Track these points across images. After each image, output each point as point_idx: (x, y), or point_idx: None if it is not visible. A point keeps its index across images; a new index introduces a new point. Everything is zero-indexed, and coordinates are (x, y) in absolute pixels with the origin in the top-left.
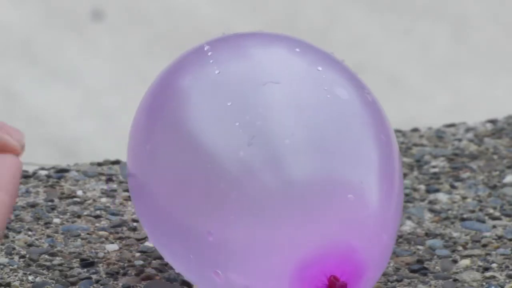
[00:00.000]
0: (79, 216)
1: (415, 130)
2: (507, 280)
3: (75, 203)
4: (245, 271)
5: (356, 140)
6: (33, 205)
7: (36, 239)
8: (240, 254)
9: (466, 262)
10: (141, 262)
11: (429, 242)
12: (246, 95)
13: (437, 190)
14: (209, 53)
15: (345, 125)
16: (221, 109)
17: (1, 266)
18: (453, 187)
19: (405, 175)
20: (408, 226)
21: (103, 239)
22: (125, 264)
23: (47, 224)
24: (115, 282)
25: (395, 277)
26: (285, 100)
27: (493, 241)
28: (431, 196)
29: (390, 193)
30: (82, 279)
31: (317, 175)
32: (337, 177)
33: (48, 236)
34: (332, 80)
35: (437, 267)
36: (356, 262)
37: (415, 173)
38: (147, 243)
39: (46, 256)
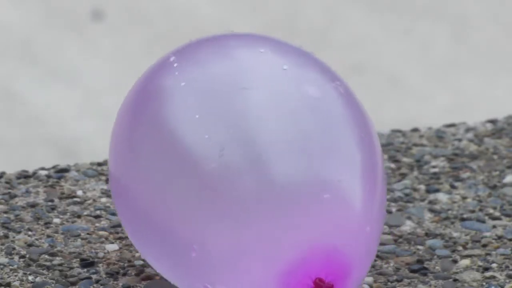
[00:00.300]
0: (79, 216)
1: (415, 130)
2: (507, 280)
3: (75, 203)
4: (232, 283)
5: (329, 137)
6: (33, 205)
7: (36, 239)
8: (225, 266)
9: (466, 262)
10: (141, 262)
11: (429, 242)
12: (215, 105)
13: (437, 190)
14: (175, 64)
15: (317, 123)
16: (191, 123)
17: (1, 266)
18: (453, 187)
19: (405, 175)
20: (408, 226)
21: (103, 239)
22: (125, 264)
23: (47, 224)
24: (115, 282)
25: (395, 277)
26: (255, 106)
27: (493, 241)
28: (431, 196)
29: (371, 185)
30: (82, 279)
31: (291, 178)
32: (311, 177)
33: (48, 236)
34: (299, 78)
35: (437, 267)
36: (341, 261)
37: (415, 173)
38: None
39: (46, 256)
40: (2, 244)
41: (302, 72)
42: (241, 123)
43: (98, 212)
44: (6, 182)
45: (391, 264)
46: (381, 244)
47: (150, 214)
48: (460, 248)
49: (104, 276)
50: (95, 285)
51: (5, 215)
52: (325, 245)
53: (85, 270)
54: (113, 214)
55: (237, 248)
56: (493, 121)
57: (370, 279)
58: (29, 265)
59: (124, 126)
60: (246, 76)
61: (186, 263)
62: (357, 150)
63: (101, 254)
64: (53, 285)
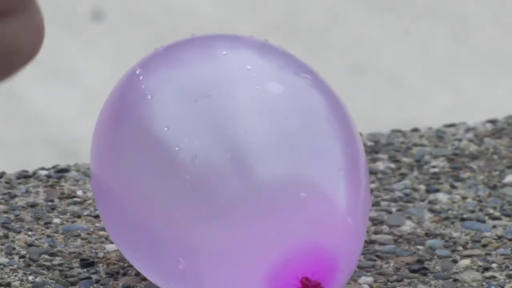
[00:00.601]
0: (79, 216)
1: (415, 130)
2: (507, 280)
3: (75, 203)
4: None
5: (301, 132)
6: (33, 205)
7: (36, 239)
8: (212, 274)
9: (466, 262)
10: None
11: (429, 242)
12: (181, 116)
13: (437, 190)
14: (141, 77)
15: (285, 119)
16: (161, 135)
17: (1, 266)
18: (453, 187)
19: (405, 175)
20: (408, 226)
21: (103, 239)
22: (125, 264)
23: (47, 224)
24: (115, 282)
25: (395, 277)
26: (221, 111)
27: (493, 241)
28: (431, 196)
29: (350, 176)
30: (82, 279)
31: (265, 179)
32: (286, 177)
33: (48, 236)
34: (264, 76)
35: (437, 267)
36: (325, 257)
37: (415, 173)
38: None
39: (46, 256)
40: (2, 244)
41: (266, 70)
42: (207, 132)
43: (98, 212)
44: (6, 182)
45: (391, 264)
46: (381, 244)
47: (133, 223)
48: (460, 248)
49: (104, 276)
50: (95, 285)
51: (5, 215)
52: (308, 243)
53: (85, 270)
54: None
55: (220, 254)
56: (493, 121)
57: (370, 279)
58: (29, 265)
59: (104, 133)
60: (207, 83)
61: (176, 275)
62: (332, 144)
63: (101, 254)
64: (53, 285)
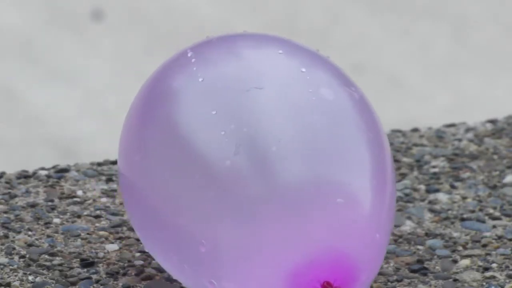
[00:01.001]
0: (79, 216)
1: (415, 130)
2: (507, 280)
3: (75, 203)
4: (239, 280)
5: (343, 141)
6: (33, 205)
7: (36, 239)
8: (233, 263)
9: (466, 262)
10: (141, 262)
11: (429, 242)
12: (231, 103)
13: (437, 190)
14: (193, 60)
15: (332, 127)
16: (206, 118)
17: (1, 266)
18: (453, 187)
19: (405, 175)
20: (408, 226)
21: (103, 239)
22: (125, 264)
23: (47, 224)
24: (115, 282)
25: (395, 277)
26: (270, 105)
27: (493, 241)
28: (431, 196)
29: (381, 193)
30: (82, 279)
31: (305, 180)
32: (325, 181)
33: (48, 236)
34: (317, 81)
35: (437, 267)
36: (349, 266)
37: (415, 173)
38: None
39: (46, 256)
40: (2, 244)
41: (318, 76)
42: (255, 122)
43: (98, 212)
44: (6, 182)
45: (391, 264)
46: None
47: (160, 210)
48: (460, 248)
49: (104, 276)
50: (95, 285)
51: (5, 215)
52: (335, 249)
53: (85, 270)
54: (113, 214)
55: (246, 246)
56: (493, 121)
57: None
58: (29, 265)
59: (135, 122)
60: (261, 76)
61: (195, 258)
62: (370, 157)
63: (101, 254)
64: (53, 285)
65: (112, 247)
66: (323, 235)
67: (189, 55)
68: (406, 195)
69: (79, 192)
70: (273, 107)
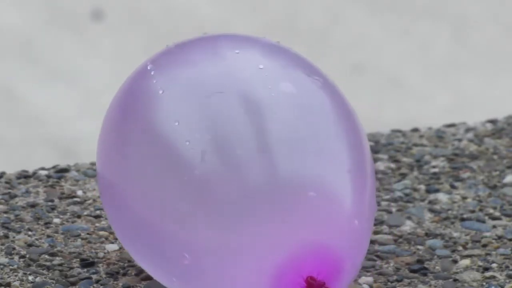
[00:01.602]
0: (79, 216)
1: (415, 130)
2: (507, 280)
3: (75, 203)
4: (225, 286)
5: (310, 133)
6: (33, 205)
7: (36, 239)
8: (217, 270)
9: (466, 262)
10: None
11: (429, 242)
12: (193, 111)
13: (437, 190)
14: (152, 72)
15: (295, 120)
16: (171, 129)
17: (1, 266)
18: (453, 187)
19: (405, 175)
20: (408, 226)
21: (103, 239)
22: (125, 264)
23: (47, 224)
24: (115, 282)
25: (395, 277)
26: (232, 109)
27: (493, 241)
28: (431, 196)
29: (357, 179)
30: (82, 279)
31: (273, 178)
32: (295, 176)
33: (48, 236)
34: (276, 76)
35: (437, 267)
36: (331, 257)
37: (415, 173)
38: None
39: (46, 256)
40: (2, 244)
41: (277, 70)
42: (218, 127)
43: (98, 212)
44: (6, 182)
45: (391, 264)
46: (381, 244)
47: (139, 220)
48: (460, 248)
49: (104, 276)
50: (95, 285)
51: (5, 215)
52: (314, 243)
53: (85, 270)
54: None
55: (227, 252)
56: (493, 121)
57: (370, 279)
58: (29, 265)
59: (111, 131)
60: (220, 80)
61: (180, 271)
62: (341, 145)
63: (101, 254)
64: (53, 285)
65: (112, 247)
66: (300, 230)
67: (148, 67)
68: (406, 195)
69: (79, 192)
70: (235, 110)
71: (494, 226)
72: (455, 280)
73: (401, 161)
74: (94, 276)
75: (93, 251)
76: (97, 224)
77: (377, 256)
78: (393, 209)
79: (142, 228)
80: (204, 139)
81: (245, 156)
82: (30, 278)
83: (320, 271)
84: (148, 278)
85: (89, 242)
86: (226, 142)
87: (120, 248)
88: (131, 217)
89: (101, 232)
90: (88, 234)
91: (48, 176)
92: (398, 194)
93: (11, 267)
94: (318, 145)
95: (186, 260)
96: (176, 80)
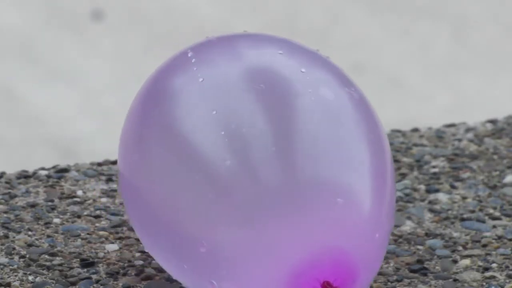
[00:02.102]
0: (79, 216)
1: (415, 130)
2: (507, 280)
3: (75, 203)
4: (238, 281)
5: (343, 141)
6: (33, 205)
7: (36, 239)
8: (233, 263)
9: (466, 262)
10: (141, 262)
11: (429, 242)
12: (231, 102)
13: (437, 190)
14: (193, 60)
15: (331, 127)
16: (206, 118)
17: (1, 266)
18: (453, 187)
19: (405, 175)
20: (408, 226)
21: (103, 239)
22: (125, 264)
23: (47, 224)
24: (115, 282)
25: (395, 277)
26: (269, 105)
27: (493, 241)
28: (431, 196)
29: (381, 193)
30: (82, 279)
31: (304, 180)
32: (325, 181)
33: (48, 236)
34: (316, 81)
35: (437, 267)
36: (349, 265)
37: (415, 173)
38: None
39: (46, 256)
40: (2, 244)
41: (318, 76)
42: (254, 123)
43: (98, 212)
44: (6, 182)
45: (391, 264)
46: None
47: (159, 210)
48: (460, 248)
49: (104, 276)
50: (95, 285)
51: (5, 215)
52: (335, 249)
53: (85, 270)
54: (113, 214)
55: (247, 246)
56: (493, 121)
57: None
58: (29, 265)
59: (135, 123)
60: (261, 76)
61: (195, 258)
62: (369, 157)
63: (101, 254)
64: (53, 285)
65: (112, 247)
66: (322, 235)
67: (189, 55)
68: (406, 195)
69: (79, 192)
70: (273, 107)
71: (494, 226)
72: (455, 280)
73: (401, 161)
74: (94, 276)
75: (93, 251)
76: (97, 224)
77: None
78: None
79: (161, 221)
80: (238, 133)
81: (272, 156)
82: (30, 278)
83: (337, 277)
84: (148, 278)
85: (89, 242)
86: (256, 140)
87: (120, 248)
88: (151, 209)
89: (101, 232)
90: (88, 234)
91: (48, 176)
92: (398, 194)
93: (11, 267)
94: (349, 155)
95: (203, 248)
96: (215, 71)
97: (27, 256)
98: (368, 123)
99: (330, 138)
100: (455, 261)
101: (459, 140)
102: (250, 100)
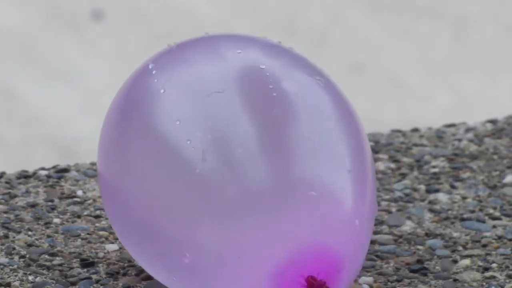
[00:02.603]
0: (79, 216)
1: (415, 130)
2: (507, 280)
3: (75, 203)
4: (224, 282)
5: (311, 132)
6: (33, 205)
7: (36, 239)
8: (216, 269)
9: (466, 262)
10: None
11: (429, 242)
12: (193, 110)
13: (437, 190)
14: (153, 72)
15: (296, 120)
16: (172, 129)
17: (1, 266)
18: (453, 187)
19: (405, 175)
20: (408, 226)
21: (103, 239)
22: (125, 264)
23: (47, 224)
24: (115, 282)
25: (395, 277)
26: (233, 108)
27: (493, 241)
28: (431, 196)
29: (358, 180)
30: (82, 279)
31: (274, 177)
32: (296, 176)
33: (48, 236)
34: (277, 76)
35: (437, 267)
36: (331, 257)
37: (415, 173)
38: None
39: (46, 256)
40: (2, 244)
41: (278, 70)
42: (219, 127)
43: (98, 212)
44: (6, 182)
45: (391, 264)
46: (381, 244)
47: (140, 220)
48: (460, 248)
49: (104, 276)
50: (95, 285)
51: (5, 215)
52: (314, 243)
53: (85, 270)
54: None
55: (227, 251)
56: (493, 121)
57: (370, 279)
58: (29, 265)
59: (112, 130)
60: (221, 79)
61: (181, 270)
62: (342, 145)
63: (101, 254)
64: (53, 285)
65: (112, 247)
66: (300, 230)
67: (150, 67)
68: (406, 195)
69: (79, 192)
70: (236, 109)
71: (494, 226)
72: (455, 280)
73: (401, 161)
74: (94, 276)
75: (93, 251)
76: (97, 224)
77: (377, 256)
78: (393, 209)
79: (142, 228)
80: (205, 139)
81: (245, 155)
82: (30, 278)
83: (320, 271)
84: (148, 278)
85: (89, 242)
86: (226, 141)
87: (120, 248)
88: (131, 216)
89: (101, 232)
90: (88, 234)
91: (48, 176)
92: (398, 194)
93: (11, 267)
94: (318, 145)
95: (187, 259)
96: (177, 79)
97: (27, 256)
98: (339, 111)
99: (296, 131)
100: (455, 261)
101: (459, 140)
102: (213, 106)
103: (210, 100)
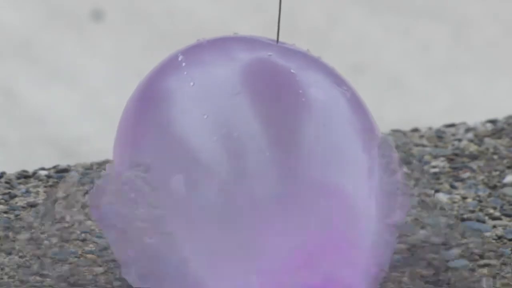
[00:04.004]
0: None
1: (415, 130)
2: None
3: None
4: None
5: (332, 142)
6: (33, 205)
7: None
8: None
9: (463, 261)
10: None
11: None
12: (221, 107)
13: (437, 190)
14: (183, 64)
15: (323, 129)
16: (198, 123)
17: (1, 266)
18: (453, 187)
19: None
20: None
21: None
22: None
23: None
24: None
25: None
26: (260, 109)
27: (493, 241)
28: None
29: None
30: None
31: (302, 184)
32: (323, 183)
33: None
34: (307, 82)
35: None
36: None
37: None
38: None
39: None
40: (2, 244)
41: (308, 76)
42: (245, 126)
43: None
44: (6, 182)
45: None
46: None
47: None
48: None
49: None
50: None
51: (5, 215)
52: (327, 275)
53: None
54: None
55: (229, 253)
56: (493, 121)
57: None
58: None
59: (129, 127)
60: (248, 79)
61: (170, 272)
62: (363, 158)
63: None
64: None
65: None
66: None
67: (179, 58)
68: None
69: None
70: (262, 111)
71: (494, 226)
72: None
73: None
74: None
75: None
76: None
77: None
78: None
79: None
80: (228, 138)
81: (262, 160)
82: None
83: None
84: None
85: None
86: (243, 144)
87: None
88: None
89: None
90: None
91: (48, 176)
92: None
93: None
94: (339, 157)
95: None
96: (206, 74)
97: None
98: (361, 122)
99: (318, 139)
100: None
101: (459, 140)
102: (241, 104)
103: (238, 98)
